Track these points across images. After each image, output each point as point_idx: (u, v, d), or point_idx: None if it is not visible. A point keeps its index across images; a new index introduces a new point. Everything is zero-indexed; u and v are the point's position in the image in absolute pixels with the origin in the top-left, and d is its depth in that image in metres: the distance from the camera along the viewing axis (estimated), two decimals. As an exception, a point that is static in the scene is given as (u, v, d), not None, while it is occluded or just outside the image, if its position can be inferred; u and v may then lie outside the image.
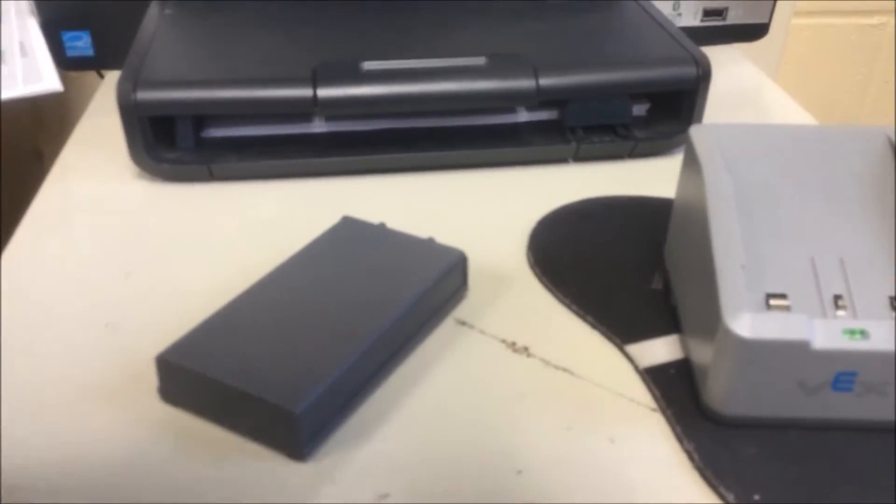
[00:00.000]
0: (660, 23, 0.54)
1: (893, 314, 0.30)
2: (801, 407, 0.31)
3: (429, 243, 0.39)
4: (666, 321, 0.37)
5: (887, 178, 0.34)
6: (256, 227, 0.45)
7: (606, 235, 0.44)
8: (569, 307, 0.39)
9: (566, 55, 0.50)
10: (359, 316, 0.34)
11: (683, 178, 0.37)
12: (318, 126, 0.50)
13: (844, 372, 0.30)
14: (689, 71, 0.48)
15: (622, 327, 0.37)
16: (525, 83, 0.47)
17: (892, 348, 0.29)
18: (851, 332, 0.29)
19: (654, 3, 0.62)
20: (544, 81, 0.47)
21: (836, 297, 0.31)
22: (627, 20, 0.54)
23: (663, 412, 0.33)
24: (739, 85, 0.64)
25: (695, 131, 0.36)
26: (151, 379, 0.34)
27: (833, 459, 0.30)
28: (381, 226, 0.40)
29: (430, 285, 0.36)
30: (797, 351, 0.29)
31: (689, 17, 0.65)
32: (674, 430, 0.32)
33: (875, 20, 1.11)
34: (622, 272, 0.41)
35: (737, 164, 0.35)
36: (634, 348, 0.36)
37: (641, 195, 0.47)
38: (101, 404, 0.33)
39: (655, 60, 0.49)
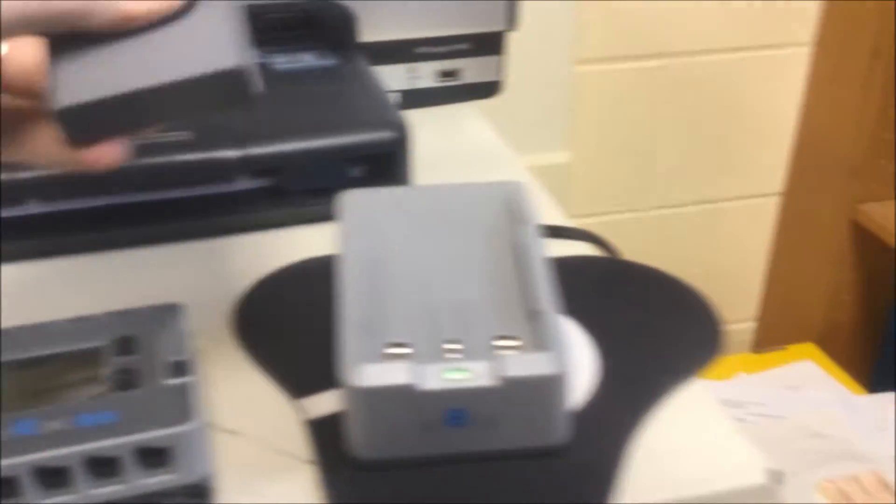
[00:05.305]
0: (374, 89, 0.57)
1: (493, 353, 0.34)
2: (426, 445, 0.34)
3: None
4: (342, 374, 0.40)
5: (504, 230, 0.38)
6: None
7: (310, 295, 0.46)
8: (259, 366, 0.41)
9: (276, 124, 0.52)
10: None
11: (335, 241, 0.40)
12: (34, 207, 0.50)
13: (454, 409, 0.33)
14: (387, 136, 0.52)
15: (303, 382, 0.40)
16: (231, 153, 0.49)
17: (488, 384, 0.32)
18: (453, 372, 0.33)
19: (391, 66, 0.66)
20: (251, 151, 0.50)
21: (451, 342, 0.34)
22: (344, 88, 0.58)
23: (317, 463, 0.35)
24: (472, 143, 0.68)
25: (342, 197, 0.39)
26: None
27: (458, 489, 0.33)
28: None
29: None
30: (405, 394, 0.32)
31: (426, 79, 0.70)
32: (321, 479, 0.34)
33: (655, 63, 1.20)
34: (316, 329, 0.43)
35: (378, 225, 0.38)
36: (309, 401, 0.39)
37: (351, 253, 0.50)
38: None
39: (356, 127, 0.52)
